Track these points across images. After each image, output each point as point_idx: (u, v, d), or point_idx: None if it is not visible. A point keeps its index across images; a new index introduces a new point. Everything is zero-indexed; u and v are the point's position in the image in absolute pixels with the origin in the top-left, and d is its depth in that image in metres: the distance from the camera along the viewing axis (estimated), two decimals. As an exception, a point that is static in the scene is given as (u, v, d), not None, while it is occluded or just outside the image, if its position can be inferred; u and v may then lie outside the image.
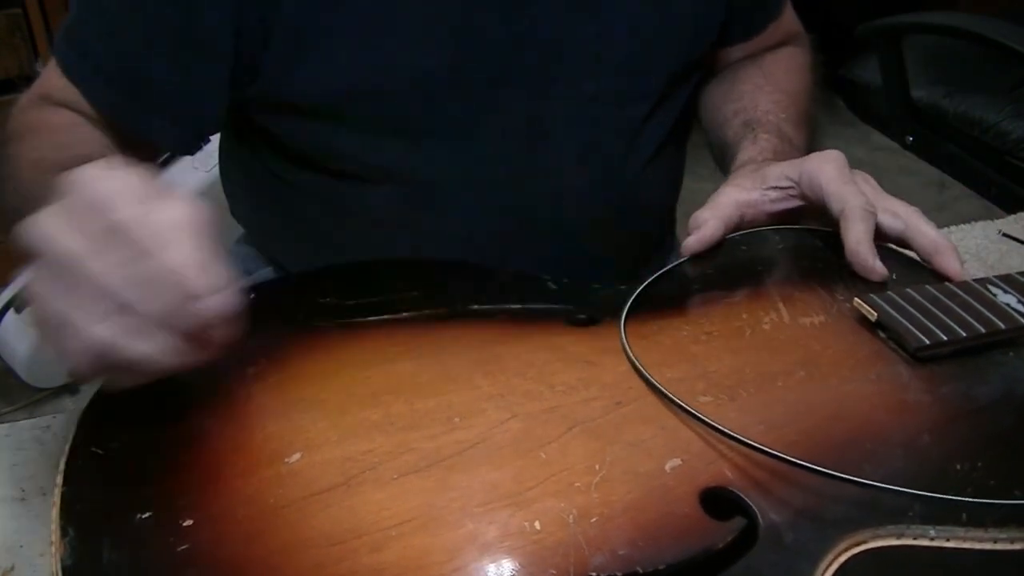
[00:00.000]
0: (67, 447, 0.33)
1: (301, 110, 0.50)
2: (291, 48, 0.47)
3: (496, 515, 0.30)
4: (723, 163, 0.57)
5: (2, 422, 0.45)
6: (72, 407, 0.46)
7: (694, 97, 0.59)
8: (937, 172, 1.31)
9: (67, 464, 0.32)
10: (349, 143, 0.51)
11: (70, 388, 1.31)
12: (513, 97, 0.50)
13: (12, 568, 0.37)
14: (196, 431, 0.33)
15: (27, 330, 1.24)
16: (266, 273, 0.64)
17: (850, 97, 1.33)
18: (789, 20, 0.62)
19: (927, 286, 0.40)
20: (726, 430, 0.32)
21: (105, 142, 0.46)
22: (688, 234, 0.45)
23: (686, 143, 0.62)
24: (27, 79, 1.34)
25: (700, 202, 0.48)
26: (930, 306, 0.38)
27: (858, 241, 0.42)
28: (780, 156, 0.51)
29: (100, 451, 0.32)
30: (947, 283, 0.41)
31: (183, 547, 0.29)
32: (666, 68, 0.54)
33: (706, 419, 0.33)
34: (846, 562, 0.30)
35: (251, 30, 0.46)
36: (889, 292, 0.39)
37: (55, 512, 0.30)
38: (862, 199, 0.43)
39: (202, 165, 1.10)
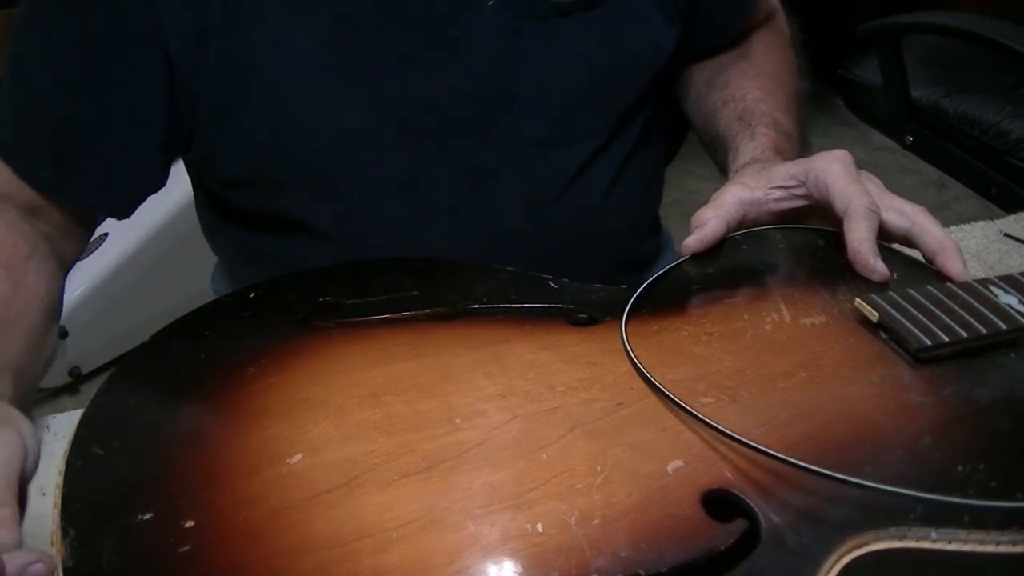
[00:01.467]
0: (67, 447, 0.33)
1: (239, 182, 0.50)
2: (214, 119, 0.47)
3: (498, 517, 0.30)
4: (715, 155, 0.57)
5: None
6: (72, 407, 0.46)
7: (655, 120, 0.57)
8: (937, 172, 1.31)
9: (67, 464, 0.32)
10: (287, 207, 0.50)
11: (70, 388, 1.31)
12: (453, 148, 0.49)
13: None
14: (197, 431, 0.33)
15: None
16: None
17: (850, 97, 1.32)
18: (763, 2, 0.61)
19: (928, 287, 0.40)
20: (729, 431, 0.32)
21: (6, 255, 0.44)
22: (690, 232, 0.45)
23: (659, 153, 0.60)
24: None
25: (700, 202, 0.48)
26: (931, 307, 0.38)
27: (860, 240, 0.42)
28: (780, 150, 0.51)
29: (100, 451, 0.32)
30: (948, 283, 0.41)
31: (184, 548, 0.29)
32: (615, 105, 0.53)
33: (708, 420, 0.33)
34: (849, 564, 0.30)
35: (182, 104, 0.46)
36: (891, 292, 0.39)
37: (55, 512, 0.30)
38: (867, 198, 0.43)
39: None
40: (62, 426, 0.45)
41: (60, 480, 0.31)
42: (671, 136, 0.66)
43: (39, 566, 0.28)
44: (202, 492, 0.31)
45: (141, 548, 0.29)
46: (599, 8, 0.49)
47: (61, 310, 0.48)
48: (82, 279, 1.27)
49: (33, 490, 0.40)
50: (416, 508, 0.30)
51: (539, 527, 0.29)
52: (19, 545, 0.29)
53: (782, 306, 0.40)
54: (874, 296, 0.39)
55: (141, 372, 0.37)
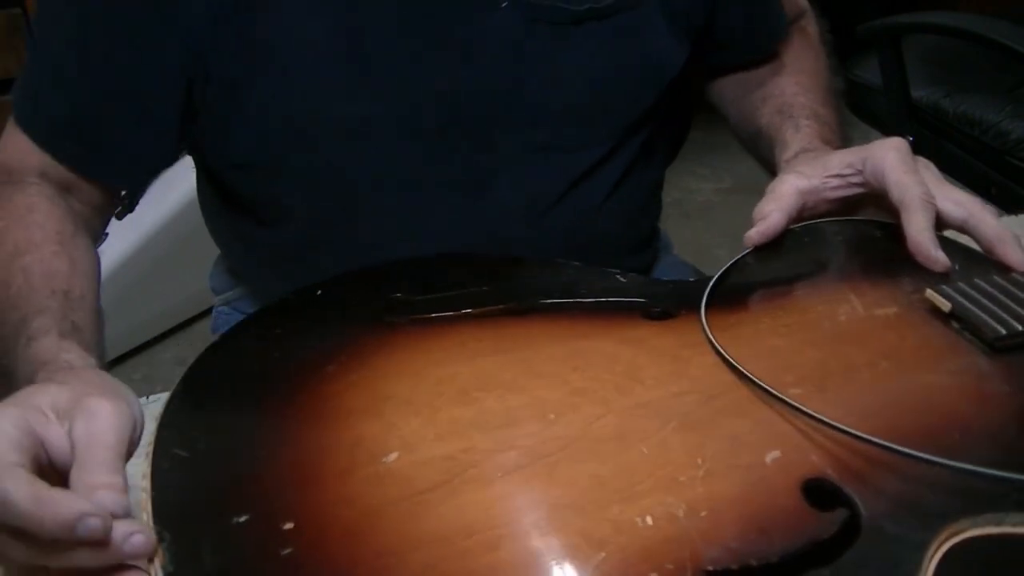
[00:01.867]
0: (150, 451, 0.32)
1: (244, 164, 0.50)
2: (226, 96, 0.47)
3: (607, 511, 0.29)
4: (758, 151, 0.57)
5: None
6: None
7: (661, 132, 0.57)
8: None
9: (153, 467, 0.31)
10: (288, 195, 0.50)
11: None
12: (456, 147, 0.49)
13: None
14: (280, 431, 0.33)
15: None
16: (239, 293, 0.64)
17: (850, 97, 1.34)
18: (790, 7, 0.61)
19: (995, 277, 0.40)
20: (835, 423, 0.32)
21: (56, 230, 0.44)
22: (751, 226, 0.45)
23: (662, 165, 0.61)
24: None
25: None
26: (1002, 297, 0.39)
27: (919, 231, 0.42)
28: (826, 140, 0.51)
29: (185, 453, 0.31)
30: (1013, 274, 0.41)
31: (287, 551, 0.28)
32: (619, 117, 0.53)
33: (811, 412, 0.33)
34: (948, 551, 0.30)
35: (198, 80, 0.47)
36: (960, 283, 0.40)
37: (146, 517, 0.29)
38: (922, 188, 0.43)
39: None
40: None
41: (146, 484, 0.30)
42: (672, 138, 0.66)
43: (140, 537, 0.28)
44: (297, 492, 0.30)
45: (242, 551, 0.28)
46: (611, 20, 0.49)
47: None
48: (83, 280, 1.25)
49: None
50: (523, 504, 0.30)
51: (648, 520, 0.29)
52: (128, 513, 0.29)
53: (852, 297, 0.41)
54: (945, 287, 0.40)
55: (213, 373, 0.36)
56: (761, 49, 0.60)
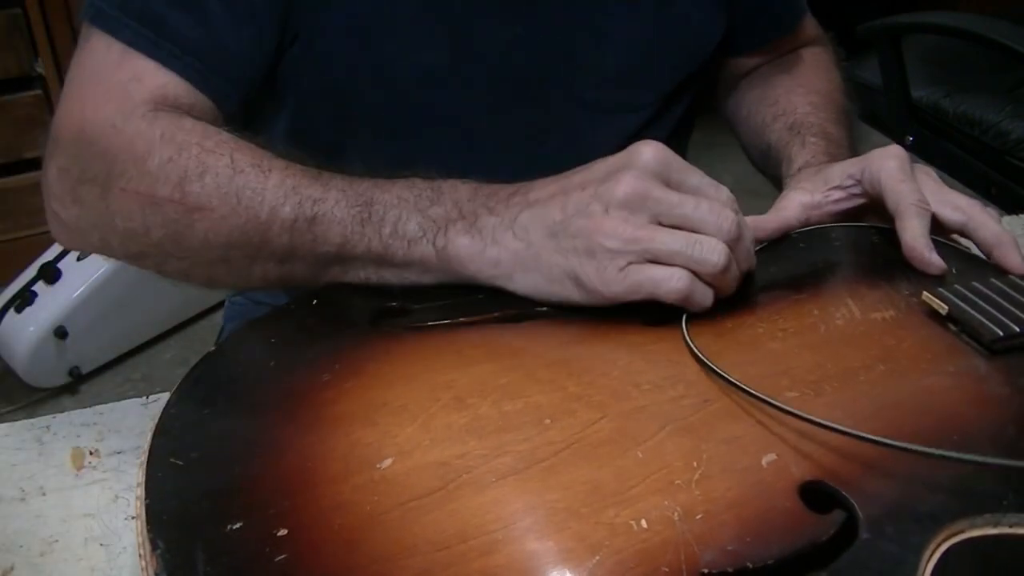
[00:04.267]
0: (144, 460, 0.32)
1: (310, 109, 0.50)
2: (304, 38, 0.47)
3: (602, 515, 0.29)
4: (766, 168, 0.58)
5: (2, 422, 0.44)
6: (72, 407, 0.45)
7: (693, 109, 0.60)
8: (937, 172, 1.33)
9: (147, 475, 0.31)
10: (353, 147, 0.50)
11: (70, 388, 1.29)
12: (512, 102, 0.51)
13: (12, 568, 0.36)
14: (276, 439, 0.33)
15: (28, 330, 1.21)
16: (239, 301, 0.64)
17: (850, 97, 1.34)
18: (810, 25, 0.63)
19: (992, 279, 0.40)
20: (824, 422, 0.32)
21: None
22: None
23: (686, 151, 0.62)
24: (27, 79, 1.32)
25: None
26: (999, 299, 0.39)
27: (913, 237, 0.42)
28: (833, 156, 0.51)
29: (180, 462, 0.31)
30: (1010, 276, 0.41)
31: (281, 557, 0.28)
32: (662, 82, 0.54)
33: (802, 414, 0.33)
34: (947, 551, 0.30)
35: (284, 17, 0.46)
36: (956, 286, 0.40)
37: (140, 525, 0.29)
38: (916, 196, 0.43)
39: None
40: (62, 426, 0.44)
41: (140, 492, 0.30)
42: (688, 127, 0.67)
43: None
44: (291, 500, 0.30)
45: (236, 557, 0.28)
46: None
47: None
48: (82, 279, 1.26)
49: (33, 490, 0.39)
50: (518, 509, 0.30)
51: (643, 523, 0.29)
52: None
53: (849, 301, 0.41)
54: (942, 289, 0.39)
55: (209, 381, 0.36)
56: (766, 38, 0.60)
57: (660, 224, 0.37)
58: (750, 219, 0.44)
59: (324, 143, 0.51)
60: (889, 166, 0.44)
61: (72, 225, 0.44)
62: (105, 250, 0.44)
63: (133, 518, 0.37)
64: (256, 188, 0.40)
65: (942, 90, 1.19)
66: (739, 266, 0.38)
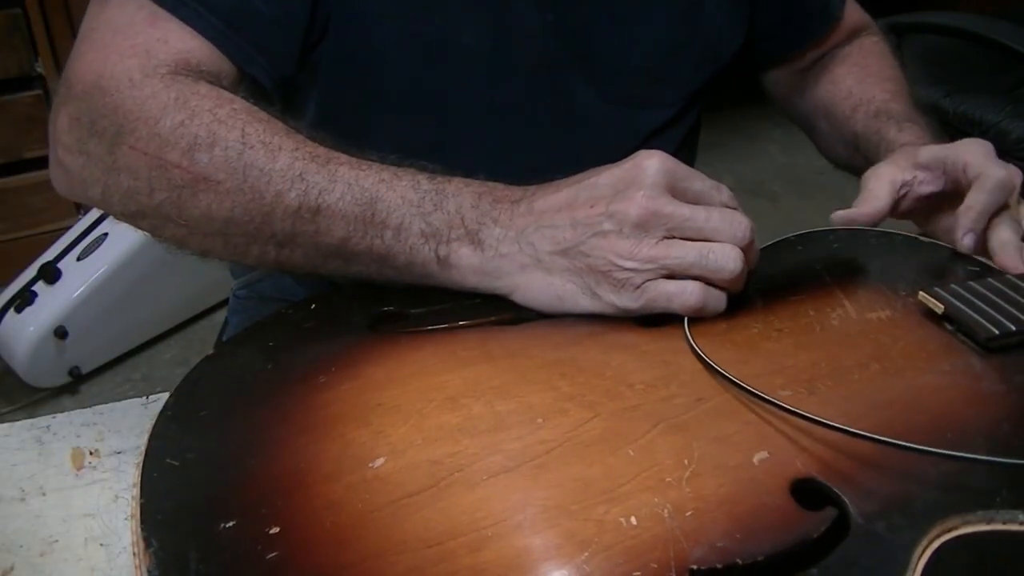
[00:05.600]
0: (140, 460, 0.32)
1: (339, 88, 0.49)
2: (342, 20, 0.47)
3: (592, 512, 0.29)
4: (853, 159, 0.57)
5: (2, 422, 0.44)
6: (72, 407, 0.45)
7: (701, 110, 0.60)
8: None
9: (143, 475, 0.31)
10: (380, 128, 0.50)
11: (70, 388, 1.29)
12: (540, 90, 0.51)
13: (12, 568, 0.37)
14: (271, 440, 0.33)
15: (28, 330, 1.21)
16: (262, 273, 0.63)
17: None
18: (854, 12, 0.63)
19: (989, 279, 0.40)
20: (817, 417, 0.32)
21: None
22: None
23: (696, 151, 0.63)
24: (27, 79, 1.32)
25: None
26: (995, 298, 0.39)
27: (966, 207, 0.43)
28: (927, 142, 0.51)
29: (175, 462, 0.32)
30: (1007, 275, 0.41)
31: (272, 555, 0.28)
32: (685, 82, 0.55)
33: (794, 409, 0.32)
34: (939, 548, 0.30)
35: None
36: (953, 285, 0.40)
37: (135, 524, 0.29)
38: (1004, 173, 0.43)
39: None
40: (62, 426, 0.44)
41: (136, 492, 0.31)
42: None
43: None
44: (284, 498, 0.30)
45: (228, 556, 0.28)
46: None
47: None
48: (82, 279, 1.26)
49: (33, 490, 0.39)
50: (509, 506, 0.30)
51: (633, 520, 0.29)
52: None
53: (845, 302, 0.41)
54: (938, 289, 0.40)
55: (207, 384, 0.36)
56: (820, 30, 0.60)
57: (673, 237, 0.37)
58: (843, 214, 0.44)
59: (352, 124, 0.51)
60: (980, 149, 0.45)
61: (75, 175, 0.43)
62: (104, 205, 0.43)
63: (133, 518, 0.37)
64: (264, 168, 0.39)
65: (942, 90, 1.18)
66: (748, 265, 0.39)
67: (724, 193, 0.39)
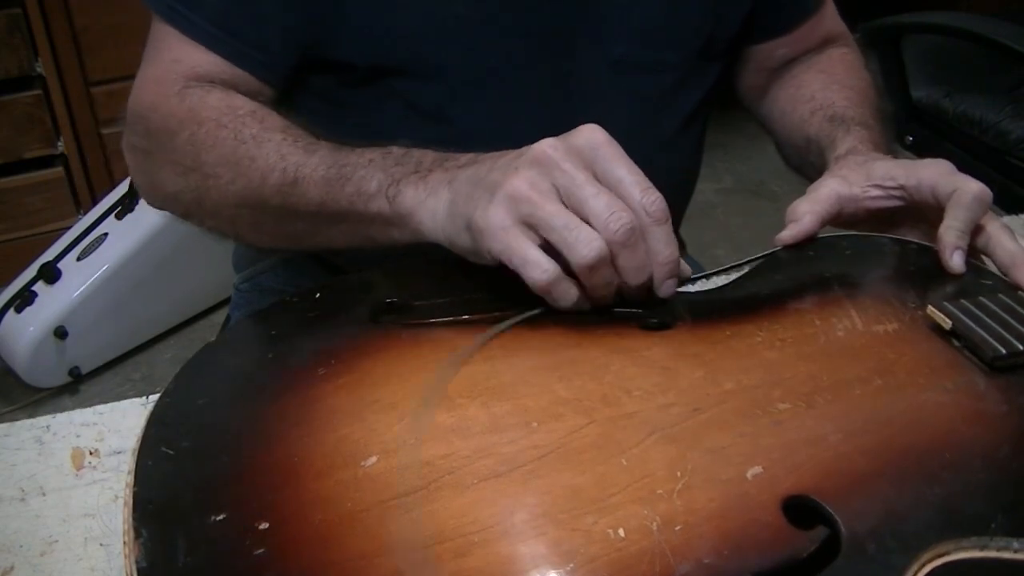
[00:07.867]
0: (136, 447, 0.32)
1: (346, 66, 0.50)
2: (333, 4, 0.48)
3: (580, 522, 0.29)
4: (804, 163, 0.57)
5: (2, 422, 0.44)
6: (72, 407, 0.46)
7: (712, 93, 0.59)
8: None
9: (137, 464, 0.31)
10: (384, 104, 0.51)
11: (70, 388, 1.29)
12: (539, 56, 0.51)
13: (12, 568, 0.36)
14: (267, 432, 0.33)
15: (28, 330, 1.21)
16: (265, 265, 0.64)
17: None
18: (832, 20, 0.62)
19: (1000, 295, 0.40)
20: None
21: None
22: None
23: (706, 128, 0.62)
24: (27, 79, 1.32)
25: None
26: (1005, 315, 0.38)
27: (946, 228, 0.42)
28: (876, 147, 0.51)
29: (170, 451, 0.31)
30: (1020, 292, 0.40)
31: (259, 551, 0.28)
32: (691, 43, 0.54)
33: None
34: (930, 573, 0.29)
35: None
36: (963, 301, 0.39)
37: (127, 512, 0.29)
38: (978, 185, 0.43)
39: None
40: (62, 426, 0.44)
41: (130, 479, 0.30)
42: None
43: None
44: (275, 493, 0.30)
45: (216, 549, 0.28)
46: None
47: None
48: (82, 279, 1.26)
49: (33, 490, 0.39)
50: (496, 512, 0.29)
51: (621, 532, 0.29)
52: None
53: (853, 313, 0.40)
54: (947, 304, 0.39)
55: (207, 372, 0.36)
56: (792, 21, 0.60)
57: (561, 201, 0.36)
58: (778, 237, 0.44)
59: (360, 104, 0.52)
60: (943, 168, 0.44)
61: (144, 190, 0.51)
62: (164, 210, 0.51)
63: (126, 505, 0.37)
64: (252, 156, 0.45)
65: (942, 90, 1.18)
66: (623, 275, 0.37)
67: (647, 197, 0.36)
